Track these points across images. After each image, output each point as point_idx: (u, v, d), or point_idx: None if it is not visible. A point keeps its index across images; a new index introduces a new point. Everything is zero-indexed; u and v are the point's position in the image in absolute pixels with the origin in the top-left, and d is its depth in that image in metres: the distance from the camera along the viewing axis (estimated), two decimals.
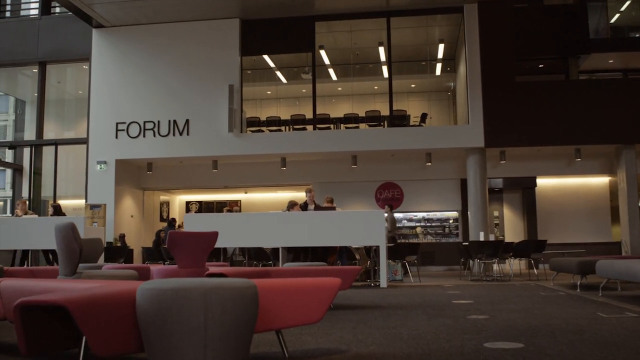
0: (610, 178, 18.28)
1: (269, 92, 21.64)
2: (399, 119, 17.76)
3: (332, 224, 10.81)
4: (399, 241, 17.98)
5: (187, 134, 17.37)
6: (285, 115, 19.29)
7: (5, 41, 19.20)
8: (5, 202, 23.68)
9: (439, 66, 20.05)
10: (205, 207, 21.96)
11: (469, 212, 16.80)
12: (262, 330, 3.24)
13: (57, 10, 19.63)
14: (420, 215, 19.09)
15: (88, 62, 18.32)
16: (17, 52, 19.11)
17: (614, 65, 18.89)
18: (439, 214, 19.02)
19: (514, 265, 14.16)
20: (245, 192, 21.66)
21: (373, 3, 16.81)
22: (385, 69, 18.36)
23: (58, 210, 12.82)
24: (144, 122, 17.56)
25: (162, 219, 21.08)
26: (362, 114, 18.49)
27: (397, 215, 18.98)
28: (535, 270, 13.12)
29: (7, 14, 20.68)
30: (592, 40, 17.36)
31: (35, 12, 19.93)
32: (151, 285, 2.52)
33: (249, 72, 19.45)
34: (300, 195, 16.76)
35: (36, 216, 13.05)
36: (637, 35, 18.99)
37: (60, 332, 2.55)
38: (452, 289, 9.80)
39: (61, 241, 4.48)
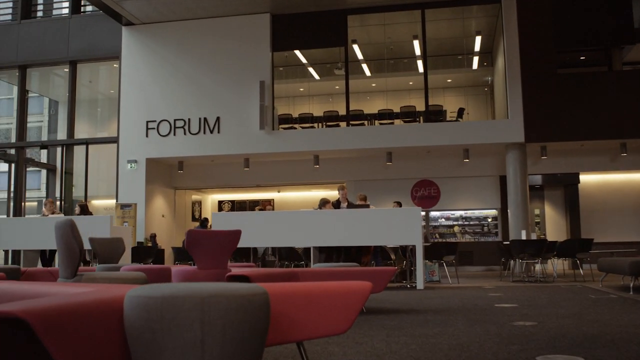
0: None
1: (301, 89, 21.22)
2: (435, 115, 17.20)
3: (366, 222, 10.32)
4: (435, 240, 17.45)
5: (218, 132, 17.06)
6: (318, 112, 18.86)
7: (37, 41, 19.10)
8: (39, 202, 23.61)
9: (475, 59, 19.41)
10: (237, 207, 21.64)
11: (508, 210, 16.19)
12: (279, 343, 2.79)
13: (87, 9, 19.45)
14: (457, 213, 18.51)
15: (118, 60, 18.13)
16: (48, 52, 18.98)
17: None
18: (477, 212, 18.40)
19: (556, 265, 13.50)
20: (278, 191, 21.28)
21: None
22: (420, 63, 17.82)
23: (84, 209, 12.54)
24: (174, 120, 17.30)
25: (194, 219, 20.81)
26: (396, 109, 17.97)
27: (433, 213, 18.46)
28: (581, 271, 12.46)
29: (39, 14, 20.56)
30: (637, 29, 16.59)
31: (66, 11, 19.77)
32: (139, 292, 2.09)
33: (281, 69, 19.07)
34: (334, 194, 16.30)
35: (62, 215, 12.79)
36: None
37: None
38: (493, 291, 9.26)
39: (60, 240, 4.10)
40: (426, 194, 18.25)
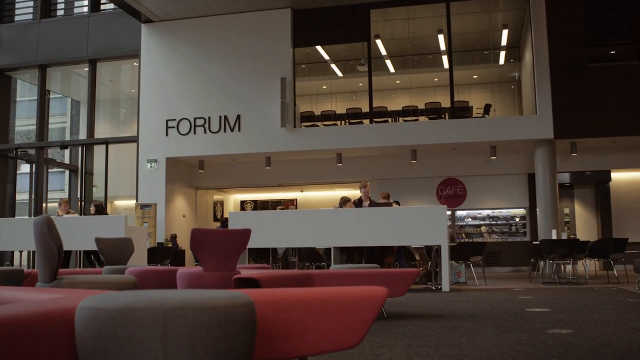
0: None
1: (324, 87, 20.81)
2: (460, 111, 16.69)
3: (389, 221, 9.86)
4: (461, 241, 16.95)
5: (239, 130, 16.73)
6: (341, 110, 18.43)
7: (56, 40, 18.92)
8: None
9: (502, 54, 18.84)
10: (260, 207, 21.30)
11: (537, 209, 15.62)
12: None
13: (106, 7, 19.22)
14: (484, 213, 17.97)
15: (137, 58, 17.88)
16: (68, 51, 18.78)
17: None
18: (504, 212, 17.86)
19: (588, 266, 12.93)
20: (301, 191, 20.89)
21: None
22: (445, 59, 17.31)
23: (100, 209, 12.26)
24: (194, 119, 17.00)
25: (215, 219, 20.50)
26: (421, 106, 17.49)
27: (460, 213, 17.95)
28: (615, 272, 11.89)
29: (61, 12, 20.39)
30: None
31: (85, 10, 19.56)
32: (90, 302, 1.69)
33: (303, 66, 18.70)
34: (357, 194, 15.85)
35: (77, 215, 12.51)
36: None
37: None
38: (523, 293, 8.77)
39: (37, 240, 3.72)
40: (452, 193, 17.74)
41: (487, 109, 17.59)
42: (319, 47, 17.97)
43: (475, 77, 20.15)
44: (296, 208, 20.25)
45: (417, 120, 17.15)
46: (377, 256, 10.29)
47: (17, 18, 20.27)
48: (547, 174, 15.28)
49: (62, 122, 25.18)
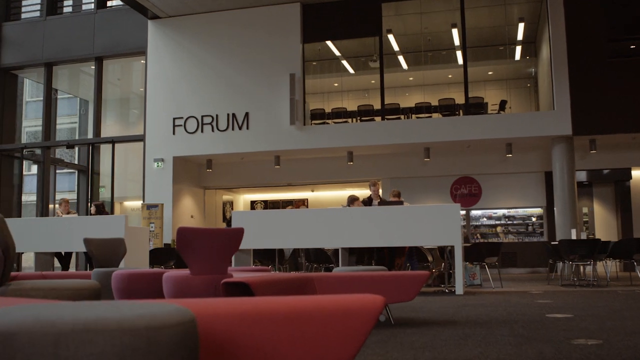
0: None
1: (335, 85, 20.37)
2: (475, 107, 16.18)
3: (400, 221, 9.37)
4: (476, 241, 16.45)
5: (247, 128, 16.32)
6: (352, 108, 17.96)
7: (62, 38, 18.61)
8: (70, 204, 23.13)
9: (518, 49, 18.29)
10: (270, 207, 20.88)
11: (555, 209, 15.07)
12: None
13: (113, 3, 18.88)
14: (500, 212, 17.45)
15: (144, 55, 17.51)
16: (74, 49, 18.46)
17: None
18: (521, 211, 17.32)
19: (609, 267, 12.35)
20: (312, 191, 20.45)
21: None
22: (459, 54, 16.79)
23: (100, 209, 11.87)
24: (202, 117, 16.61)
25: (224, 219, 20.09)
26: (434, 103, 16.99)
27: (474, 212, 17.44)
28: (638, 273, 11.32)
29: (69, 9, 20.05)
30: None
31: (92, 6, 19.21)
32: None
33: (314, 63, 18.28)
34: (369, 193, 15.39)
35: (76, 215, 12.13)
36: None
37: None
38: (542, 297, 8.26)
39: None
40: (466, 192, 17.21)
41: (502, 105, 17.06)
42: (329, 43, 17.53)
43: (490, 73, 19.64)
44: (307, 208, 19.81)
45: (430, 117, 16.66)
46: (387, 257, 9.82)
47: (23, 16, 19.97)
48: (565, 171, 14.74)
49: (71, 123, 24.93)
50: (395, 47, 17.68)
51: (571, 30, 14.85)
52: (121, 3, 17.21)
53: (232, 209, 20.65)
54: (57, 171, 22.35)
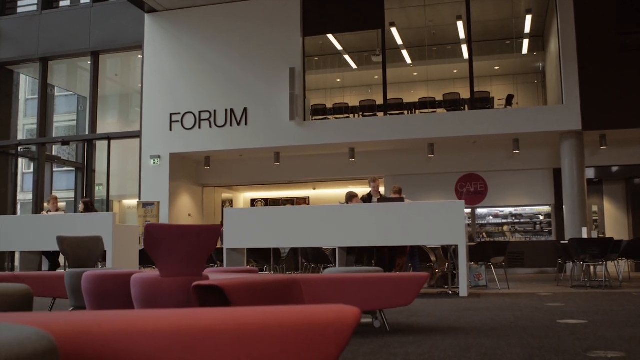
0: None
1: (338, 80, 19.86)
2: (481, 102, 15.64)
3: (401, 218, 8.85)
4: (482, 240, 15.94)
5: (246, 124, 15.85)
6: (355, 104, 17.44)
7: (58, 32, 18.17)
8: (68, 202, 22.72)
9: (525, 43, 17.74)
10: (271, 205, 20.37)
11: (564, 207, 14.53)
12: None
13: None
14: (507, 210, 16.90)
15: (141, 50, 17.07)
16: (70, 43, 18.01)
17: None
18: (528, 209, 16.77)
19: (621, 268, 11.80)
20: (314, 189, 19.97)
21: None
22: (465, 48, 16.26)
23: (88, 206, 11.41)
24: (199, 112, 16.15)
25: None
26: (439, 98, 16.47)
27: (480, 211, 16.91)
28: None
29: (66, 3, 19.60)
30: None
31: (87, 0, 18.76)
32: None
33: (316, 58, 17.81)
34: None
35: (62, 213, 11.66)
36: None
37: None
38: (552, 299, 7.74)
39: None
40: (472, 190, 16.68)
41: (509, 99, 16.52)
42: (331, 37, 17.05)
43: (496, 68, 19.11)
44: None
45: (434, 112, 16.14)
46: (387, 257, 9.31)
47: (19, 10, 19.54)
48: (574, 168, 14.21)
49: (70, 121, 24.55)
50: (399, 41, 17.18)
51: (580, 22, 14.33)
52: None
53: (232, 207, 20.17)
54: (56, 169, 21.95)
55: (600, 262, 10.18)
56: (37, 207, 17.75)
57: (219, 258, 11.69)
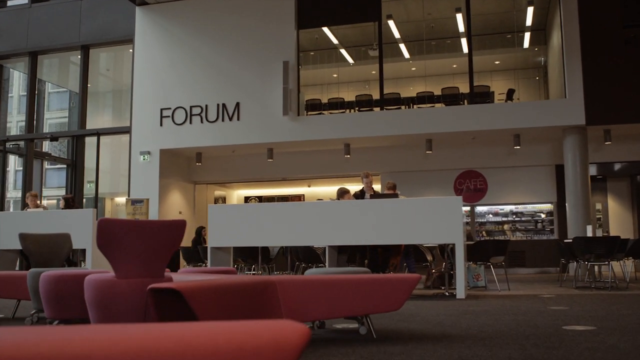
0: None
1: (334, 75, 19.39)
2: (481, 97, 15.16)
3: (395, 216, 8.35)
4: (481, 239, 15.47)
5: (238, 119, 15.41)
6: (351, 99, 16.95)
7: (47, 26, 17.70)
8: (59, 200, 22.29)
9: (527, 37, 17.26)
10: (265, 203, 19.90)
11: (567, 204, 14.06)
12: None
13: None
14: (507, 208, 16.43)
15: (131, 43, 16.61)
16: (59, 37, 17.56)
17: None
18: (529, 207, 16.30)
19: (627, 268, 11.31)
20: (309, 186, 19.50)
21: None
22: (464, 42, 15.77)
23: (69, 203, 10.94)
24: (191, 107, 15.71)
25: None
26: (437, 93, 15.99)
27: (480, 209, 16.43)
28: None
29: None
30: None
31: None
32: None
33: (311, 53, 17.33)
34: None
35: (41, 209, 11.16)
36: None
37: None
38: (555, 302, 7.25)
39: None
40: (471, 187, 16.20)
41: (510, 94, 16.04)
42: (327, 31, 16.59)
43: (497, 62, 18.64)
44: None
45: (432, 107, 15.66)
46: (381, 257, 8.83)
47: (10, 3, 19.07)
48: (577, 164, 13.74)
49: (62, 117, 24.16)
50: (397, 35, 16.70)
51: (584, 15, 13.88)
52: None
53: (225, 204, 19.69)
54: (48, 166, 21.51)
55: (606, 262, 9.69)
56: (23, 204, 17.29)
57: (206, 257, 11.21)
